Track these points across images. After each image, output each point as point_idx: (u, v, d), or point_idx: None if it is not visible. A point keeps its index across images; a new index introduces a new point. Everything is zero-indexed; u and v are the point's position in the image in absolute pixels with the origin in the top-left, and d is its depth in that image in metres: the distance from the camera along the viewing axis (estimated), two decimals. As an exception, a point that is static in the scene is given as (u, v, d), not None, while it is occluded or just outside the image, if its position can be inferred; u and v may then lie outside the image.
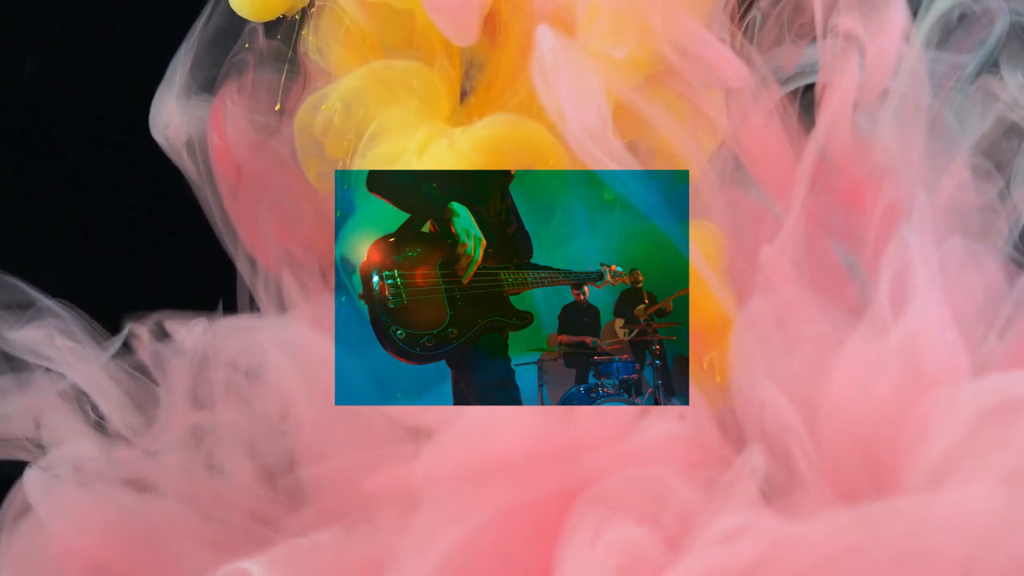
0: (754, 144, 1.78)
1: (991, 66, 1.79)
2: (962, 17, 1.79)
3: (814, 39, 1.78)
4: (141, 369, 1.85)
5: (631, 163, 1.69)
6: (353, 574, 1.58)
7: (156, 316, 1.84)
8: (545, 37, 1.68)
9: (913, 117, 1.73)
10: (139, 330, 1.84)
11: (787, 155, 1.77)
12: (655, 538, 1.55)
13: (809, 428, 1.61)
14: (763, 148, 1.78)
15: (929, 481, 1.53)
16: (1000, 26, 1.78)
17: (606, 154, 1.68)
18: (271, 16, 1.87)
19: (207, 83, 1.90)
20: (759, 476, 1.57)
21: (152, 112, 1.90)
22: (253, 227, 1.90)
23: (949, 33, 1.78)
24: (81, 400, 1.83)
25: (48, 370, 1.82)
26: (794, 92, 1.81)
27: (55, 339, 1.82)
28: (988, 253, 1.72)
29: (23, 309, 1.83)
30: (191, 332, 1.81)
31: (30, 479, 1.76)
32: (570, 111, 1.67)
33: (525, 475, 1.58)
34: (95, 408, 1.83)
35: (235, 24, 1.88)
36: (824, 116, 1.74)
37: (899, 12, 1.73)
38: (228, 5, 1.86)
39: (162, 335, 1.83)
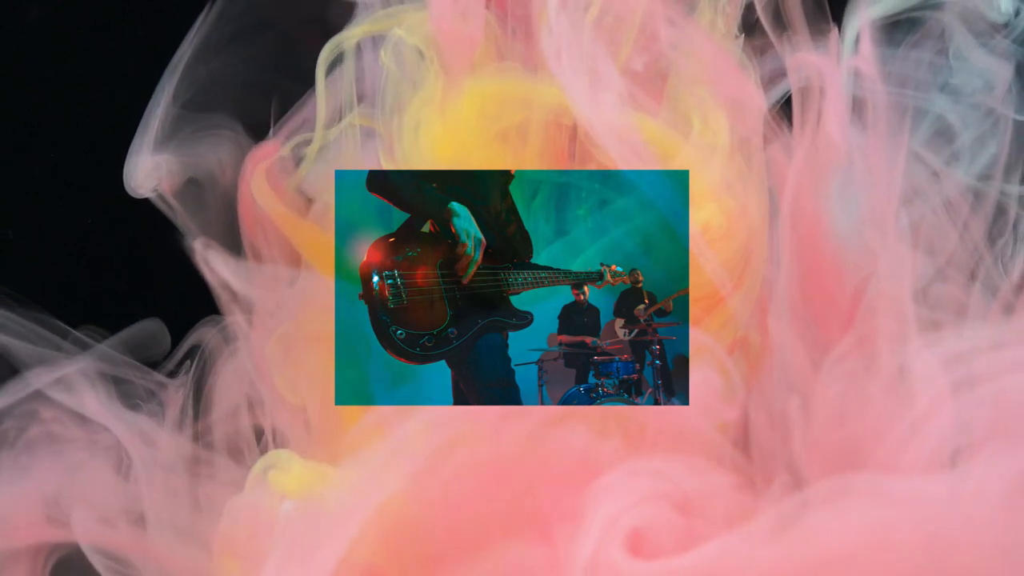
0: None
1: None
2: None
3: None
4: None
5: (637, 142, 1.68)
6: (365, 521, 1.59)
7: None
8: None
9: (878, 140, 1.74)
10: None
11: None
12: (670, 525, 1.56)
13: (809, 448, 1.63)
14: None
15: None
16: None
17: (613, 132, 1.68)
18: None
19: (198, 105, 1.88)
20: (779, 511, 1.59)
21: (128, 168, 1.86)
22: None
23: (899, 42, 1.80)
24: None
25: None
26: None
27: (85, 399, 1.82)
28: (959, 275, 1.74)
29: (54, 344, 1.84)
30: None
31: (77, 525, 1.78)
32: (578, 90, 1.67)
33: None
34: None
35: (221, 37, 1.86)
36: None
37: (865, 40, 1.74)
38: (218, 11, 1.85)
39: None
